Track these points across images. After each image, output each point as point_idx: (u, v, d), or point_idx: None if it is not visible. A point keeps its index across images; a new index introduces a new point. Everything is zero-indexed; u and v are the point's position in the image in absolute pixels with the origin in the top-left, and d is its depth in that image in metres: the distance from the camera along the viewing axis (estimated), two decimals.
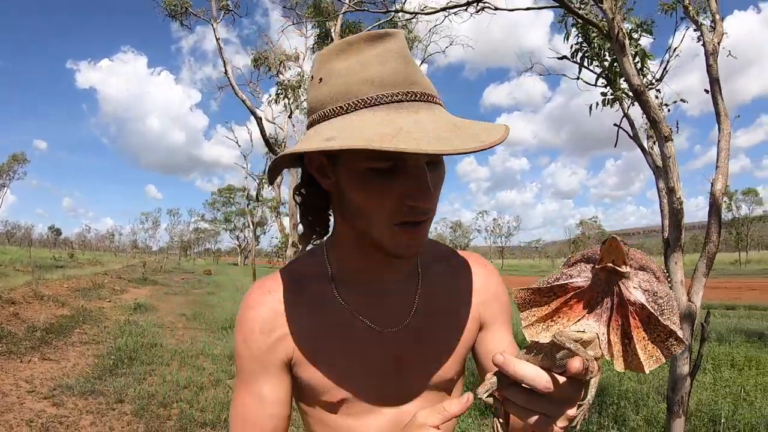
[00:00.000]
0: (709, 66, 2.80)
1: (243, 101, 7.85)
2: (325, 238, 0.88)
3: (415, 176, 0.69)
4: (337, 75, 0.70)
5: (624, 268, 0.53)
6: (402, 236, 0.73)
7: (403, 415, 0.83)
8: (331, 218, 0.86)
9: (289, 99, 13.30)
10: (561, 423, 0.58)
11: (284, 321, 0.81)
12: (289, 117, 13.71)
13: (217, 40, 8.32)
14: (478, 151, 0.61)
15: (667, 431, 2.98)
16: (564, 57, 3.74)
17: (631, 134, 3.57)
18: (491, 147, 0.62)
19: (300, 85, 13.03)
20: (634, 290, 0.54)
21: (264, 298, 0.83)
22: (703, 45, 2.82)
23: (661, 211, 3.11)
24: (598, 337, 0.56)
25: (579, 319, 0.57)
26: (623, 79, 3.19)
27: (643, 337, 0.55)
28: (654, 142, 3.32)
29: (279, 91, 13.13)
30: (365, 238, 0.77)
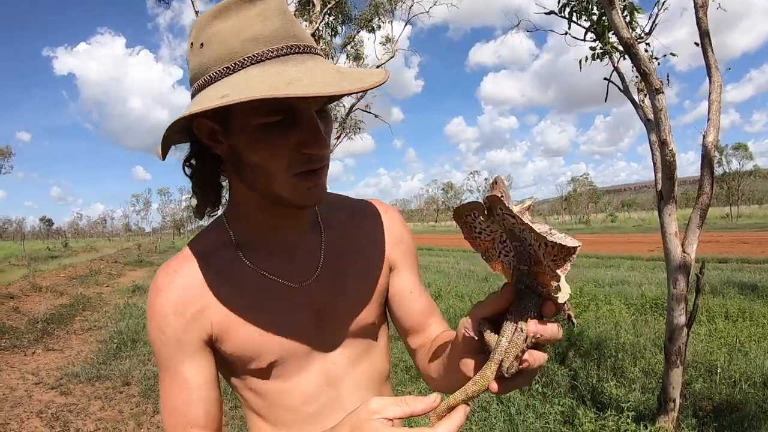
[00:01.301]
0: (698, 19, 2.77)
1: None
2: (221, 209, 0.87)
3: (308, 125, 0.70)
4: (220, 37, 0.69)
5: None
6: (302, 185, 0.73)
7: (332, 367, 0.85)
8: (224, 189, 0.85)
9: None
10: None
11: (196, 298, 0.79)
12: None
13: (196, 13, 8.13)
14: (365, 90, 0.66)
15: (665, 381, 3.05)
16: (552, 12, 3.68)
17: (622, 88, 3.55)
18: (374, 87, 0.66)
19: None
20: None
21: (171, 279, 0.80)
22: None
23: (654, 164, 3.12)
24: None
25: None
26: (612, 32, 3.15)
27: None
28: (645, 95, 3.30)
29: None
30: (266, 196, 0.76)
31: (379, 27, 13.39)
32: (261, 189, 0.76)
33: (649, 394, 3.71)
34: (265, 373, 0.82)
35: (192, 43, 0.72)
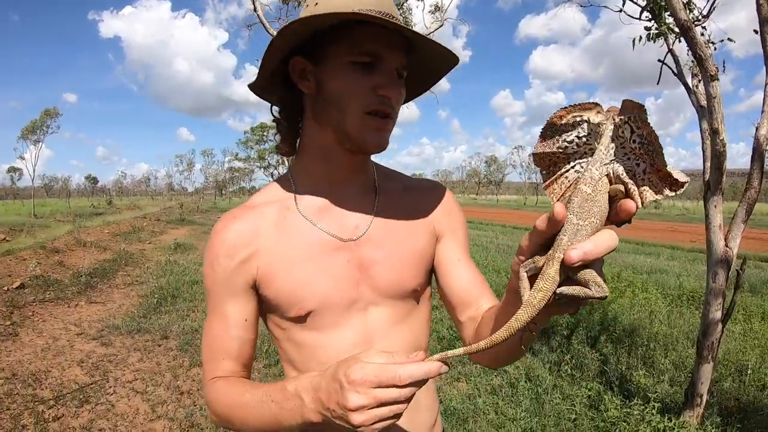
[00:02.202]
0: (759, 5, 2.61)
1: None
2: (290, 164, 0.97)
3: (388, 72, 0.81)
4: None
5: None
6: (371, 124, 0.82)
7: (368, 326, 0.89)
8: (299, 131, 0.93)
9: None
10: None
11: (247, 244, 0.86)
12: None
13: None
14: (442, 50, 0.82)
15: (694, 375, 3.00)
16: None
17: (676, 71, 3.40)
18: (447, 49, 0.81)
19: None
20: None
21: (229, 224, 0.88)
22: None
23: (703, 152, 3.01)
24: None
25: None
26: (669, 13, 3.02)
27: None
28: (699, 81, 3.17)
29: None
30: (336, 132, 0.84)
31: None
32: (333, 124, 0.84)
33: (677, 387, 3.66)
34: (303, 320, 0.87)
35: (308, 4, 0.84)
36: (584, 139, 0.58)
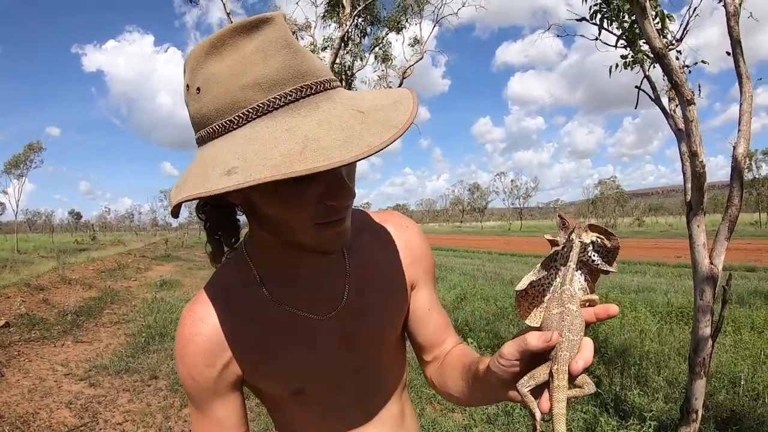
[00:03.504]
0: (730, 28, 2.73)
1: None
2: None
3: (330, 176, 0.64)
4: (217, 81, 0.61)
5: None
6: (327, 233, 0.69)
7: (360, 385, 0.89)
8: (240, 229, 0.83)
9: None
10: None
11: (224, 347, 0.80)
12: None
13: (228, 15, 8.27)
14: (395, 139, 0.55)
15: (688, 392, 3.02)
16: (583, 19, 3.68)
17: (653, 96, 3.52)
18: (406, 130, 0.57)
19: (314, 52, 12.94)
20: None
21: (198, 329, 0.79)
22: (724, 6, 2.75)
23: (684, 174, 3.09)
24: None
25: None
26: (644, 41, 3.14)
27: None
28: (676, 105, 3.28)
29: None
30: (288, 243, 0.73)
31: (405, 27, 13.35)
32: (282, 238, 0.72)
33: (672, 404, 3.68)
34: (296, 398, 0.86)
35: (188, 86, 0.65)
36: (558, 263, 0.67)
